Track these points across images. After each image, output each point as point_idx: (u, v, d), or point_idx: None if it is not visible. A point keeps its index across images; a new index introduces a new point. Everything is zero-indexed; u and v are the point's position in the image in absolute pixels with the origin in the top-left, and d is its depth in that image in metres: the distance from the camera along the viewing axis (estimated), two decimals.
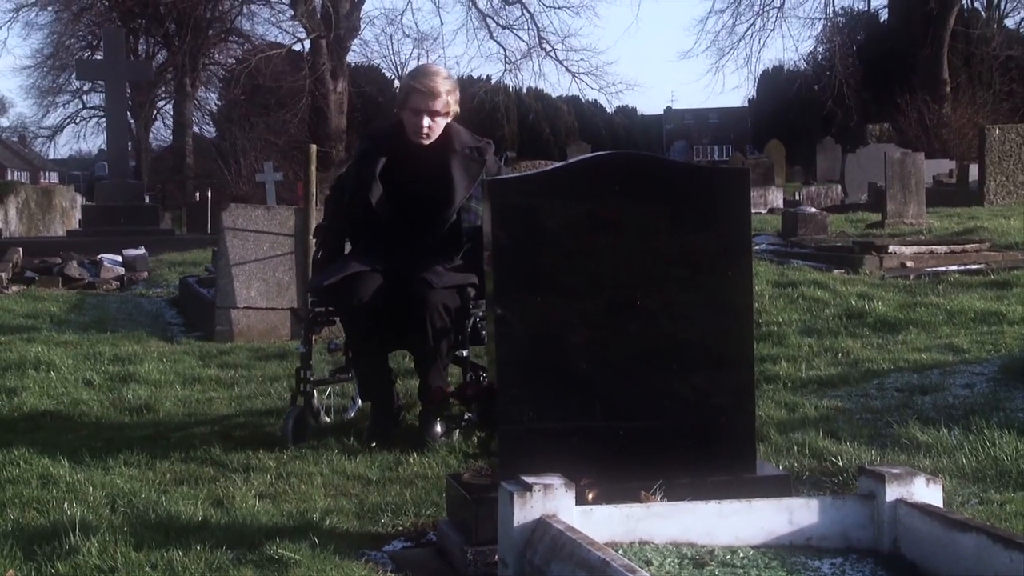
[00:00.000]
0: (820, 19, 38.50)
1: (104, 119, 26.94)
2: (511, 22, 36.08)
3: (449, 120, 4.94)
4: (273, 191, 21.63)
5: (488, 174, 4.83)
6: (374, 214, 4.86)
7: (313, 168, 8.24)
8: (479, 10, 36.09)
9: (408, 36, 58.08)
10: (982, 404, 4.94)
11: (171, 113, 43.47)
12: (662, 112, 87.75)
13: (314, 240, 5.58)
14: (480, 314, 4.75)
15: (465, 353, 4.75)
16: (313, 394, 4.97)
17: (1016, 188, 18.20)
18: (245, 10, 38.96)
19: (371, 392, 4.96)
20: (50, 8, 38.08)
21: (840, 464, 4.07)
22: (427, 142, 4.87)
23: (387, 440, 4.66)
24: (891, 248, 10.27)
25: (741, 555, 2.93)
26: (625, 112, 58.79)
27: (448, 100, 4.86)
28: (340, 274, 4.71)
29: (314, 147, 8.60)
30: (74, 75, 37.09)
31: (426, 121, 4.80)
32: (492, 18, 36.24)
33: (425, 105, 4.80)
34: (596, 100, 49.52)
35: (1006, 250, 10.77)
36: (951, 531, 2.79)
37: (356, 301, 4.69)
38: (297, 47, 36.71)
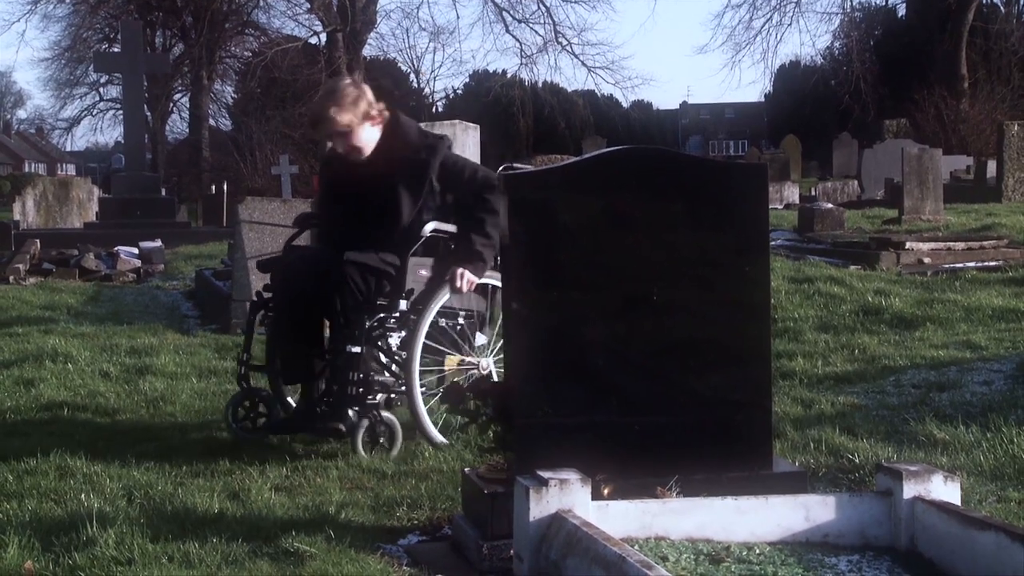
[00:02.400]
0: (837, 14, 38.34)
1: (121, 111, 26.98)
2: (527, 16, 36.00)
3: (379, 121, 4.73)
4: (289, 184, 21.67)
5: (444, 173, 4.68)
6: (330, 228, 4.85)
7: None
8: (495, 4, 36.04)
9: (424, 30, 58.27)
10: (1000, 401, 4.91)
11: (187, 106, 43.54)
12: (678, 107, 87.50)
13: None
14: (391, 319, 4.53)
15: (357, 349, 4.43)
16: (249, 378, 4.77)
17: None
18: (262, 3, 38.96)
19: (293, 374, 4.75)
20: (68, 0, 38.19)
21: (857, 461, 4.06)
22: (360, 157, 4.74)
23: (291, 431, 4.60)
24: (908, 244, 10.24)
25: (757, 551, 2.93)
26: (641, 107, 58.66)
27: (354, 114, 4.65)
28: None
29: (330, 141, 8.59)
30: (91, 67, 37.19)
31: (339, 145, 4.72)
32: (508, 12, 36.19)
33: (329, 131, 4.71)
34: (612, 95, 49.41)
35: None
36: (969, 529, 2.78)
37: (281, 276, 4.68)
38: (313, 40, 36.75)
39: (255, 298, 4.84)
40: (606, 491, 3.07)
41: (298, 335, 4.66)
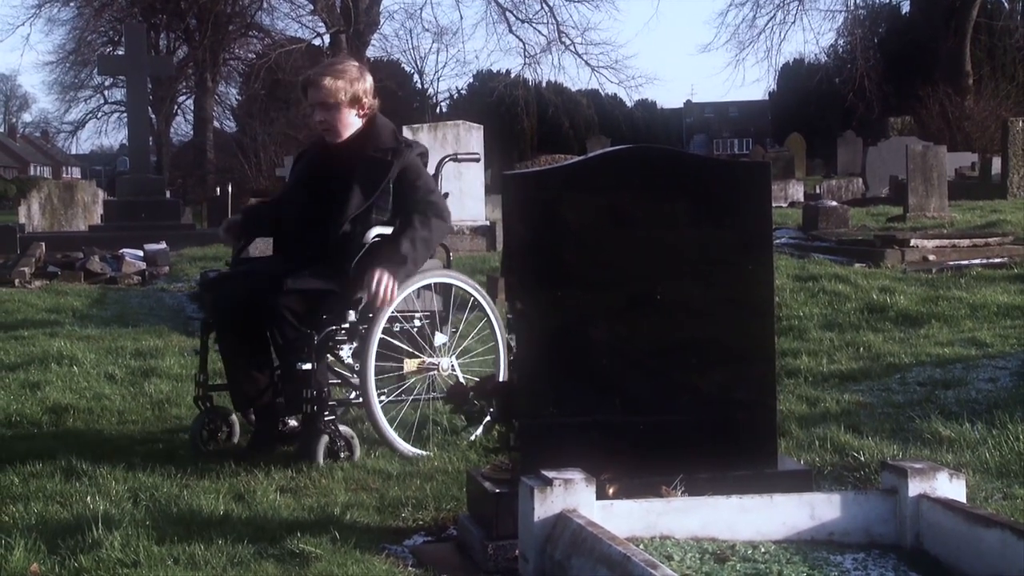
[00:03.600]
0: (841, 12, 38.27)
1: (125, 114, 27.04)
2: (531, 16, 35.98)
3: (365, 114, 4.68)
4: None
5: (401, 180, 4.55)
6: (283, 214, 4.76)
7: None
8: (499, 4, 36.04)
9: (428, 30, 58.34)
10: (1005, 398, 4.91)
11: (191, 108, 43.61)
12: (682, 106, 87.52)
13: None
14: (340, 331, 4.42)
15: (307, 367, 4.28)
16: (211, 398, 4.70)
17: None
18: (265, 5, 38.99)
19: (239, 401, 4.62)
20: (72, 4, 38.24)
21: (862, 459, 4.06)
22: (334, 139, 4.66)
23: (271, 451, 4.45)
24: (913, 241, 10.22)
25: (762, 550, 2.92)
26: (645, 106, 58.67)
27: (346, 91, 4.59)
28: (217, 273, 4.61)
29: None
30: (96, 70, 37.25)
31: (318, 115, 4.64)
32: (512, 12, 36.19)
33: (315, 98, 4.62)
34: (616, 94, 49.48)
35: None
36: (975, 526, 2.78)
37: (215, 303, 4.62)
38: (317, 42, 36.77)
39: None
40: (611, 490, 3.07)
41: (236, 363, 4.54)
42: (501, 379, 4.28)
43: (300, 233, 4.62)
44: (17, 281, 11.44)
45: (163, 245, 13.75)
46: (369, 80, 4.71)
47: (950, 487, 2.98)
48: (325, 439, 4.30)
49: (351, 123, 4.66)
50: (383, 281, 4.33)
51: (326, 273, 4.41)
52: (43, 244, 13.49)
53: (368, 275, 4.35)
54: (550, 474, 2.89)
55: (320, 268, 4.43)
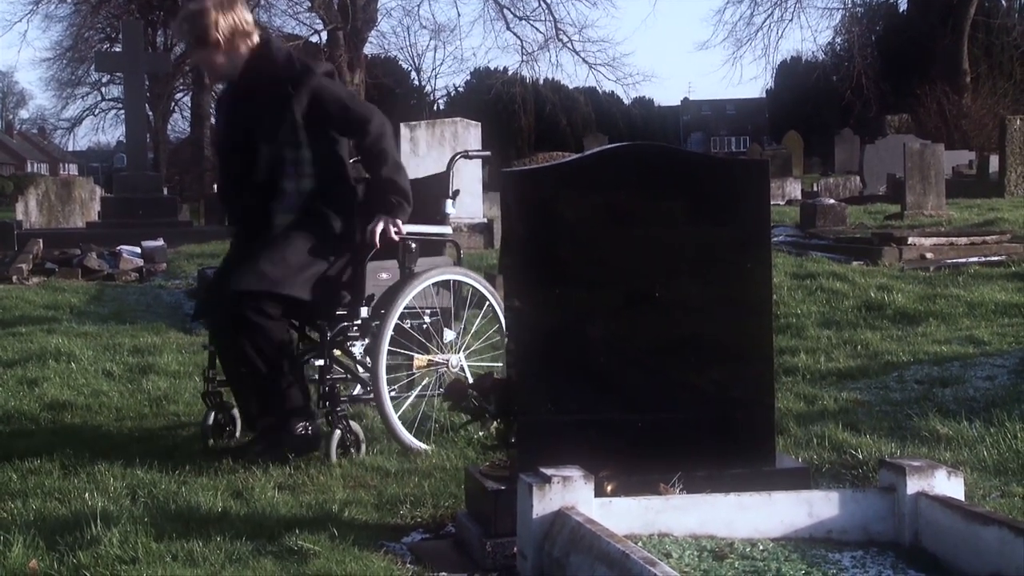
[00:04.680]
0: (839, 9, 38.28)
1: (123, 111, 26.99)
2: (528, 13, 35.90)
3: (246, 45, 4.34)
4: None
5: (312, 108, 4.28)
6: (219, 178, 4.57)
7: None
8: (496, 1, 35.95)
9: (425, 27, 58.30)
10: (1003, 396, 4.91)
11: (189, 105, 43.56)
12: (679, 103, 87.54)
13: None
14: (353, 327, 4.37)
15: (320, 362, 4.29)
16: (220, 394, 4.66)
17: None
18: (263, 1, 38.92)
19: (246, 419, 4.59)
20: (69, 0, 38.20)
21: (860, 457, 4.06)
22: (213, 79, 4.42)
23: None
24: (910, 239, 10.23)
25: (761, 548, 2.93)
26: (642, 103, 58.62)
27: (212, 28, 4.24)
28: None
29: None
30: (93, 67, 37.16)
31: (193, 57, 4.42)
32: (509, 9, 36.11)
33: (187, 43, 4.44)
34: (613, 91, 49.45)
35: None
36: (973, 524, 2.78)
37: (211, 330, 4.58)
38: (314, 39, 36.72)
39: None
40: (609, 488, 3.08)
41: (237, 387, 4.51)
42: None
43: (238, 194, 4.42)
44: (15, 278, 11.43)
45: (160, 242, 13.73)
46: (235, 11, 4.32)
47: (948, 485, 2.99)
48: (337, 434, 4.31)
49: (224, 58, 4.33)
50: (385, 230, 4.31)
51: (273, 256, 4.20)
52: (40, 241, 13.47)
53: (372, 224, 4.31)
54: (548, 471, 2.89)
55: (265, 250, 4.22)
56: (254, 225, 4.36)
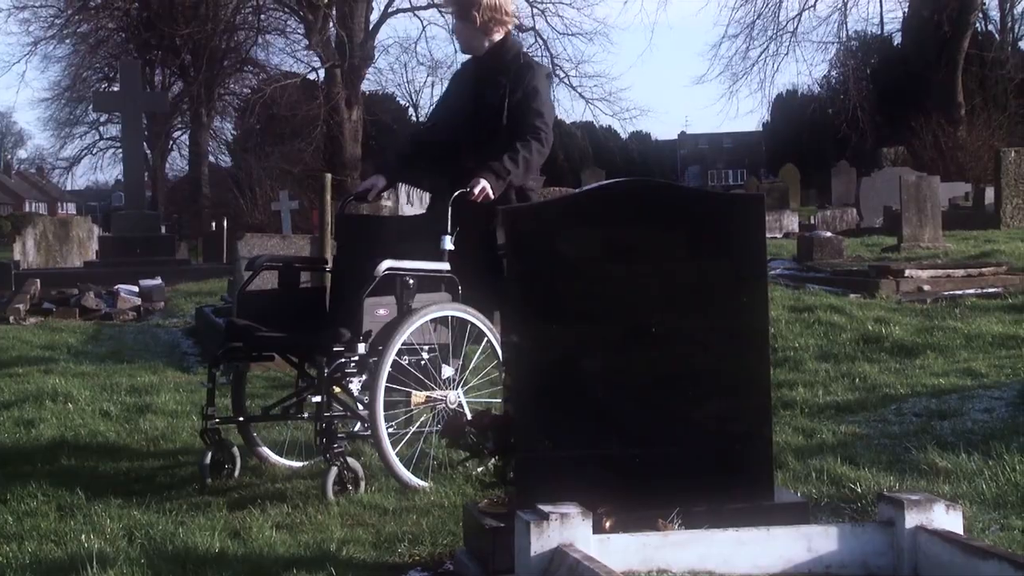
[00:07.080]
0: (833, 43, 38.45)
1: (121, 150, 27.10)
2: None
3: (500, 32, 5.08)
4: (289, 220, 21.69)
5: (522, 101, 4.96)
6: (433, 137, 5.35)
7: (328, 196, 8.29)
8: None
9: (422, 64, 58.52)
10: (1002, 429, 4.90)
11: (187, 143, 43.74)
12: (676, 137, 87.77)
13: None
14: (350, 363, 4.46)
15: (317, 398, 4.47)
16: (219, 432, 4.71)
17: None
18: (260, 40, 39.17)
19: None
20: (68, 41, 38.41)
21: (859, 490, 4.05)
22: (463, 50, 5.23)
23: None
24: (907, 272, 10.24)
25: None
26: (639, 137, 58.83)
27: (475, 8, 4.96)
28: None
29: (329, 175, 8.66)
30: (91, 107, 37.37)
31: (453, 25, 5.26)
32: None
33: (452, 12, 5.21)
34: (610, 126, 49.53)
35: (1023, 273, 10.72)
36: (972, 558, 2.77)
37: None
38: (312, 76, 36.94)
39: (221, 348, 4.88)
40: (607, 524, 3.06)
41: None
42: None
43: (453, 159, 4.97)
44: (12, 318, 11.43)
45: (158, 281, 13.75)
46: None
47: (947, 518, 2.98)
48: (334, 471, 4.30)
49: (477, 37, 4.98)
50: (484, 187, 4.70)
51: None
52: (38, 280, 13.49)
53: (473, 180, 4.71)
54: (546, 508, 2.88)
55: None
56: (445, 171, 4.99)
